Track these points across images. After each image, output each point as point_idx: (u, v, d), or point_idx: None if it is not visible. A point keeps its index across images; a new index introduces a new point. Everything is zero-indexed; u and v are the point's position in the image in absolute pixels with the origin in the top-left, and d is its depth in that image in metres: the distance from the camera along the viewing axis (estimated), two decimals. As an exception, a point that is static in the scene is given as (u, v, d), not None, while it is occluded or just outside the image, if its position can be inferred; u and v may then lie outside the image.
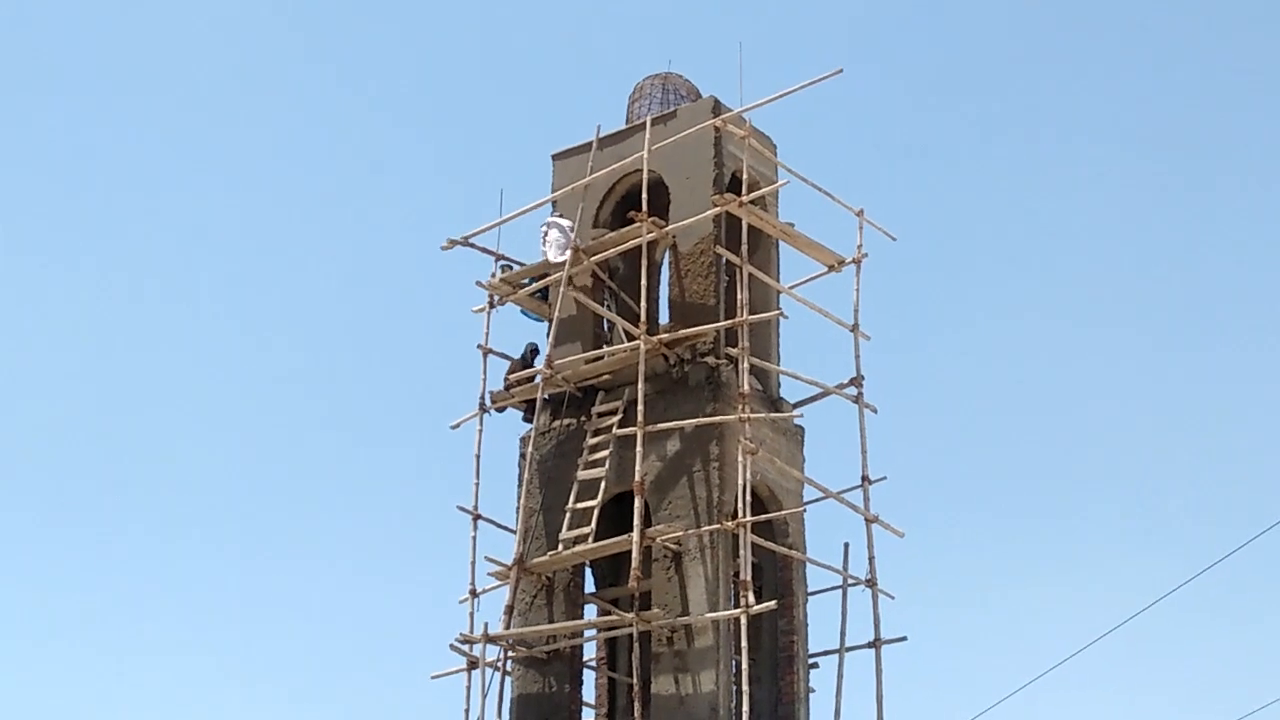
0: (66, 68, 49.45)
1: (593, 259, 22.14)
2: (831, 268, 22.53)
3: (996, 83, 50.87)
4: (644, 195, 21.77)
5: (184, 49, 49.46)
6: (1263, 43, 48.96)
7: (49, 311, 47.73)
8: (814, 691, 21.27)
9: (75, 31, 49.61)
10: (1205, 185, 48.84)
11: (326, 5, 51.47)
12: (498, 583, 21.23)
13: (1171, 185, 49.11)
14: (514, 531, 21.48)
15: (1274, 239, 47.77)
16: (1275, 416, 45.95)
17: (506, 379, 22.53)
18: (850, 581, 21.55)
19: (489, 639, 20.84)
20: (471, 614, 21.19)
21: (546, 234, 22.47)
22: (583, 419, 21.83)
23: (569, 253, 21.99)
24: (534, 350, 22.71)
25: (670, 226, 21.77)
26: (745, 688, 19.36)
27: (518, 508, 21.64)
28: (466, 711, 20.72)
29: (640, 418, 20.63)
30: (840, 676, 21.11)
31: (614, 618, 20.79)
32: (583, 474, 21.25)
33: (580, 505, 21.06)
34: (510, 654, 21.07)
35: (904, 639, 21.41)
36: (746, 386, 20.48)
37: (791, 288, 22.49)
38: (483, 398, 22.38)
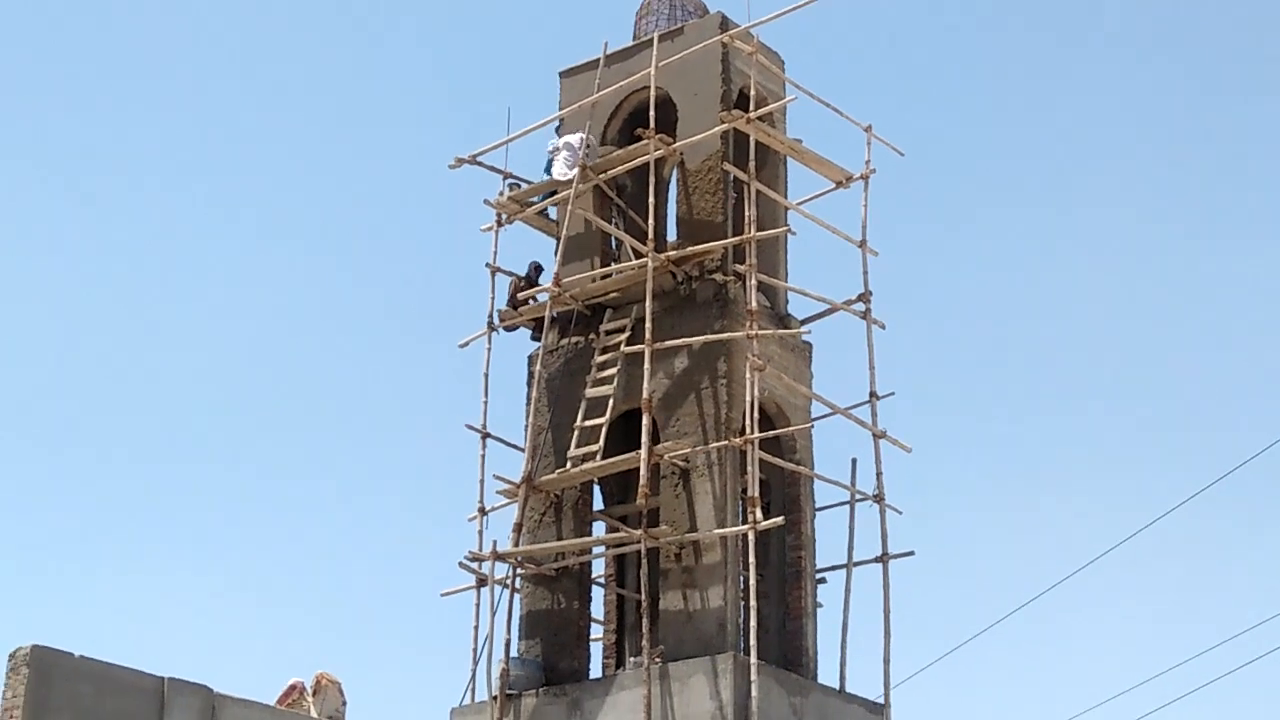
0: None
1: (600, 176, 22.08)
2: (839, 184, 22.46)
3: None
4: (651, 112, 21.68)
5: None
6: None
7: (61, 240, 47.75)
8: (821, 606, 21.35)
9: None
10: (1225, 95, 48.73)
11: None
12: (506, 500, 21.28)
13: (1188, 100, 48.96)
14: (522, 449, 21.52)
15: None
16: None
17: (511, 296, 22.50)
18: (858, 497, 21.59)
19: (498, 556, 20.90)
20: (480, 532, 21.26)
21: (558, 153, 22.41)
22: (591, 337, 21.83)
23: (576, 170, 21.94)
24: (538, 268, 22.67)
25: (678, 143, 21.70)
26: (753, 603, 19.45)
27: (526, 426, 21.66)
28: (476, 628, 20.83)
29: (648, 335, 20.62)
30: (848, 591, 21.20)
31: (622, 534, 20.86)
32: (591, 391, 21.27)
33: (588, 423, 21.09)
34: (519, 571, 21.14)
35: (911, 554, 21.46)
36: (754, 303, 20.46)
37: (799, 204, 22.43)
38: (491, 316, 22.38)
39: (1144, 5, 49.53)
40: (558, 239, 22.22)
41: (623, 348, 21.28)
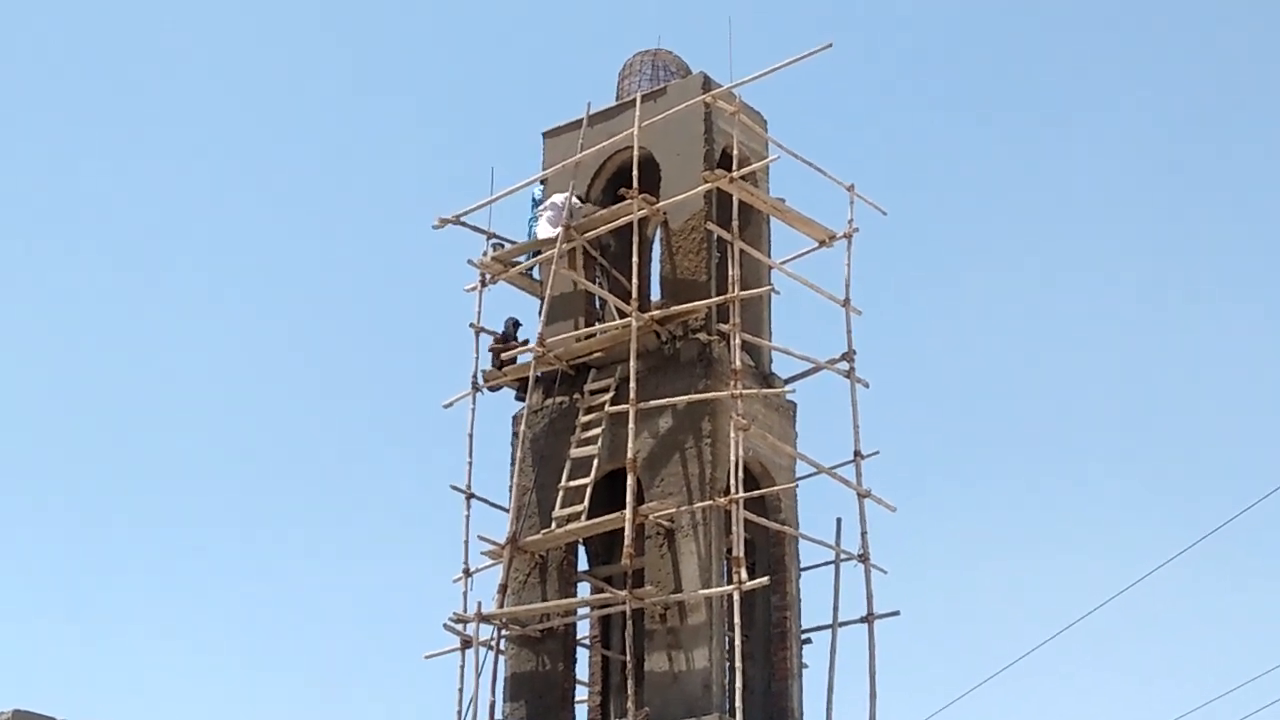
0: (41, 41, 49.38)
1: (584, 236, 22.11)
2: (823, 243, 22.49)
3: (987, 56, 50.85)
4: (634, 172, 21.72)
5: (175, 31, 49.39)
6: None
7: (46, 297, 47.73)
8: (807, 667, 21.27)
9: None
10: (1202, 152, 48.94)
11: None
12: (491, 562, 21.21)
13: (1166, 157, 49.17)
14: (507, 510, 21.45)
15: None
16: (1270, 383, 46.07)
17: (492, 354, 22.50)
18: (843, 557, 21.54)
19: (482, 618, 20.81)
20: (465, 593, 21.18)
21: (542, 213, 22.46)
22: (575, 397, 21.80)
23: (560, 230, 21.96)
24: (515, 324, 22.70)
25: (661, 203, 21.73)
26: (738, 664, 19.37)
27: (511, 486, 21.59)
28: (460, 691, 20.70)
29: (632, 395, 20.60)
30: (833, 652, 21.12)
31: (607, 595, 20.78)
32: (575, 452, 21.23)
33: (573, 483, 21.04)
34: (504, 633, 21.05)
35: (897, 614, 21.40)
36: (738, 362, 20.45)
37: (783, 263, 22.46)
38: (475, 377, 22.35)
39: (1134, 61, 49.77)
40: (541, 299, 22.23)
41: (607, 408, 21.26)
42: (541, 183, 22.94)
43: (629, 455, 20.35)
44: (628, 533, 19.95)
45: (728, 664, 19.94)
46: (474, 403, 22.18)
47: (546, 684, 21.05)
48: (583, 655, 21.91)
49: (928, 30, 50.75)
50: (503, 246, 22.98)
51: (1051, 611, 36.48)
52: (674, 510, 20.32)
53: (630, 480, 20.26)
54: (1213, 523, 23.71)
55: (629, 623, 20.16)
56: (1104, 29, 49.80)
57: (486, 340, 22.65)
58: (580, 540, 21.57)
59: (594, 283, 22.49)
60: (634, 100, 22.29)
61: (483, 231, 23.14)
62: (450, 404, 22.45)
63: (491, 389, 22.45)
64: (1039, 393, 47.47)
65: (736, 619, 19.41)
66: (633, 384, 20.65)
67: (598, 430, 21.19)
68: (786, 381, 22.15)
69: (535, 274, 22.85)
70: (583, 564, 21.99)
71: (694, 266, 21.59)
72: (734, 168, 21.38)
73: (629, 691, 19.78)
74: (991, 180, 49.48)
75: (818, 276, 22.23)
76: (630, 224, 21.63)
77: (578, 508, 20.80)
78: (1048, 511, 45.73)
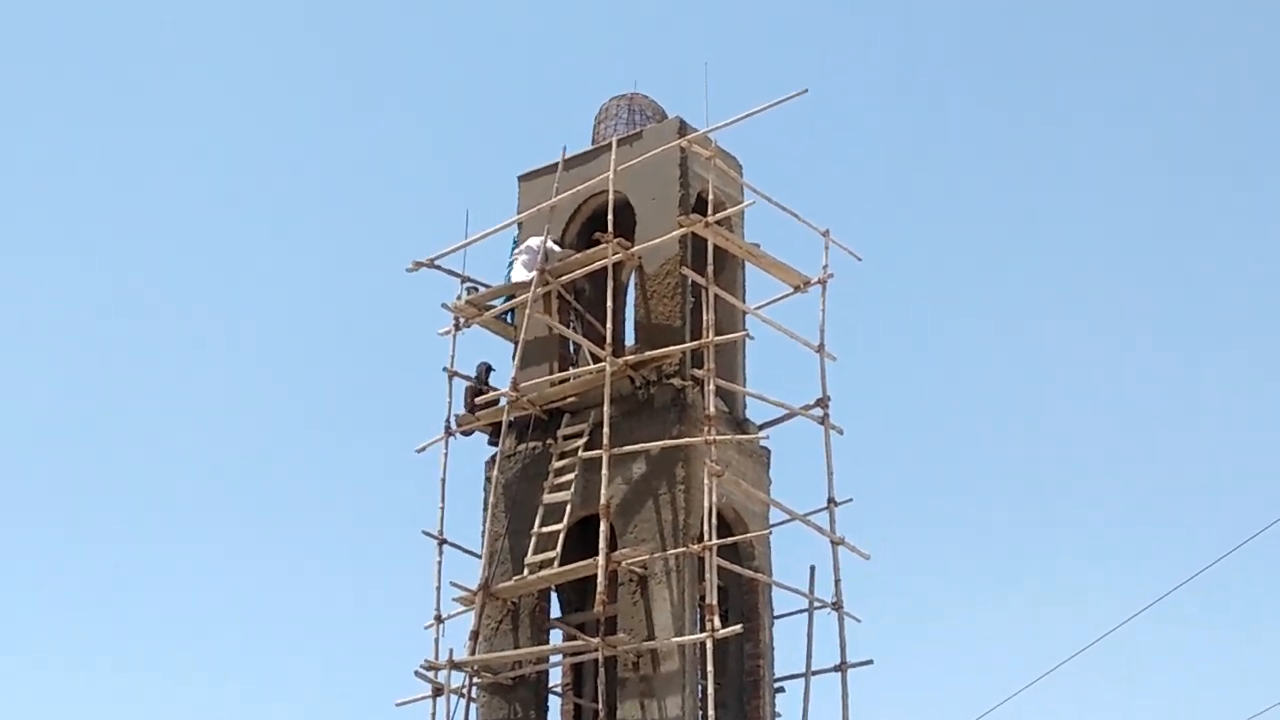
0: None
1: (559, 280, 22.04)
2: (797, 288, 22.44)
3: (962, 103, 50.98)
4: (610, 216, 21.67)
5: (161, 49, 49.43)
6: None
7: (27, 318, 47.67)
8: (780, 716, 21.15)
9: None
10: (1180, 195, 49.15)
11: (292, 25, 51.42)
12: (463, 608, 21.09)
13: (1142, 199, 49.34)
14: (479, 556, 21.34)
15: (1243, 242, 48.04)
16: (1247, 427, 46.18)
17: (466, 402, 22.42)
18: (816, 604, 21.45)
19: (454, 665, 20.71)
20: (436, 640, 21.06)
21: (517, 257, 22.42)
22: (548, 442, 21.70)
23: (535, 274, 21.90)
24: (487, 369, 22.61)
25: (636, 248, 21.67)
26: (711, 712, 19.21)
27: (483, 532, 21.50)
28: (432, 738, 20.58)
29: (606, 440, 20.50)
30: (806, 700, 20.98)
31: (580, 643, 20.65)
32: (548, 498, 21.12)
33: (546, 529, 20.92)
34: (475, 680, 20.93)
35: (870, 662, 21.31)
36: (713, 408, 20.36)
37: (757, 308, 22.41)
38: (448, 421, 22.25)
39: (1114, 100, 49.95)
40: (515, 343, 22.15)
41: (580, 453, 21.15)
42: (517, 226, 22.89)
43: (602, 501, 20.24)
44: (600, 580, 19.84)
45: (700, 713, 19.80)
46: (446, 447, 22.08)
47: (518, 732, 20.90)
48: (555, 703, 21.76)
49: (903, 77, 50.95)
50: (477, 290, 22.91)
51: (1026, 660, 36.38)
52: (647, 557, 20.21)
53: (603, 526, 20.15)
54: (1188, 571, 23.65)
55: (601, 670, 20.05)
56: (1082, 70, 50.02)
57: (460, 384, 22.55)
58: (553, 587, 21.44)
59: (568, 327, 22.42)
60: (610, 144, 22.26)
61: (457, 275, 23.06)
62: (423, 449, 22.35)
63: (464, 433, 22.34)
64: (1015, 439, 47.51)
65: (709, 667, 19.27)
66: (606, 429, 20.55)
67: (571, 476, 21.09)
68: (760, 427, 22.07)
69: (510, 318, 22.79)
70: (555, 611, 21.85)
71: (668, 311, 21.52)
72: (709, 212, 21.33)
73: (601, 740, 19.61)
74: (967, 226, 49.59)
75: (792, 322, 22.21)
76: (605, 268, 21.57)
77: (550, 554, 20.68)
78: (1023, 559, 45.71)
